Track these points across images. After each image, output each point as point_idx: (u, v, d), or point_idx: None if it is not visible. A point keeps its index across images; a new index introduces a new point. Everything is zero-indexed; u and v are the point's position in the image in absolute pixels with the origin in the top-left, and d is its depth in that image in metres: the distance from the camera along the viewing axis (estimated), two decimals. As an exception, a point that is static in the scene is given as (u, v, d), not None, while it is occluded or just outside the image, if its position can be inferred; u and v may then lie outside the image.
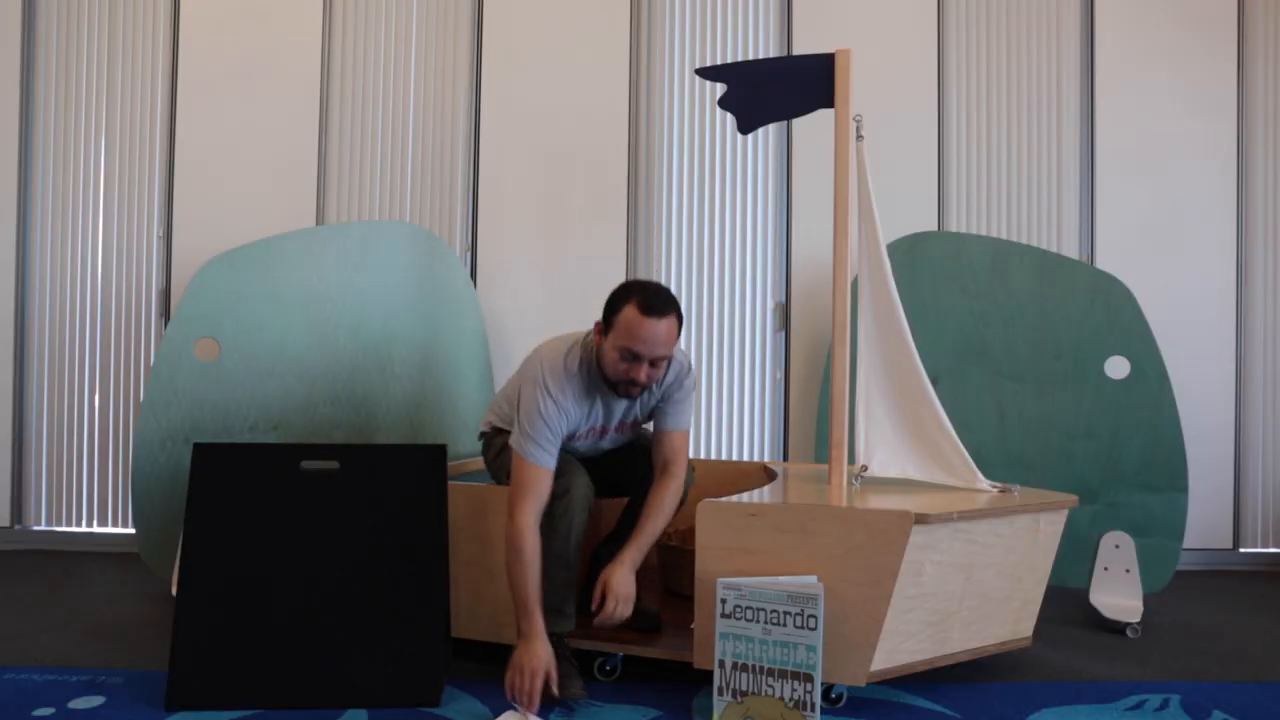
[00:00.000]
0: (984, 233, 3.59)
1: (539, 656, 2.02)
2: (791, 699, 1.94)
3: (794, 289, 3.61)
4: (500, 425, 2.44)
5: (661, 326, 2.09)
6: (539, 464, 2.15)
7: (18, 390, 3.60)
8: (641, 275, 3.63)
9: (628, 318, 2.10)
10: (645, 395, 2.29)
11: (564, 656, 2.12)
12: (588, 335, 2.27)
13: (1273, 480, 3.57)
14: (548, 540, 2.15)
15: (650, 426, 2.40)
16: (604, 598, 2.11)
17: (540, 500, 2.14)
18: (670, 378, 2.28)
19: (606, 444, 2.40)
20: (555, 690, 2.02)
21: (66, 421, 3.61)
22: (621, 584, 2.12)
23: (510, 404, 2.37)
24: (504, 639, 2.29)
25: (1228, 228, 3.58)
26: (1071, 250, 3.57)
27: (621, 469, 2.43)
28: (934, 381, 2.47)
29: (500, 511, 2.20)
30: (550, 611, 2.13)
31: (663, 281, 3.60)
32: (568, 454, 2.30)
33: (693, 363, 2.41)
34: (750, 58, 3.63)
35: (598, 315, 2.20)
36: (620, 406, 2.31)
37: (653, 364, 2.12)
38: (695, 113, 3.65)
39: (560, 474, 2.21)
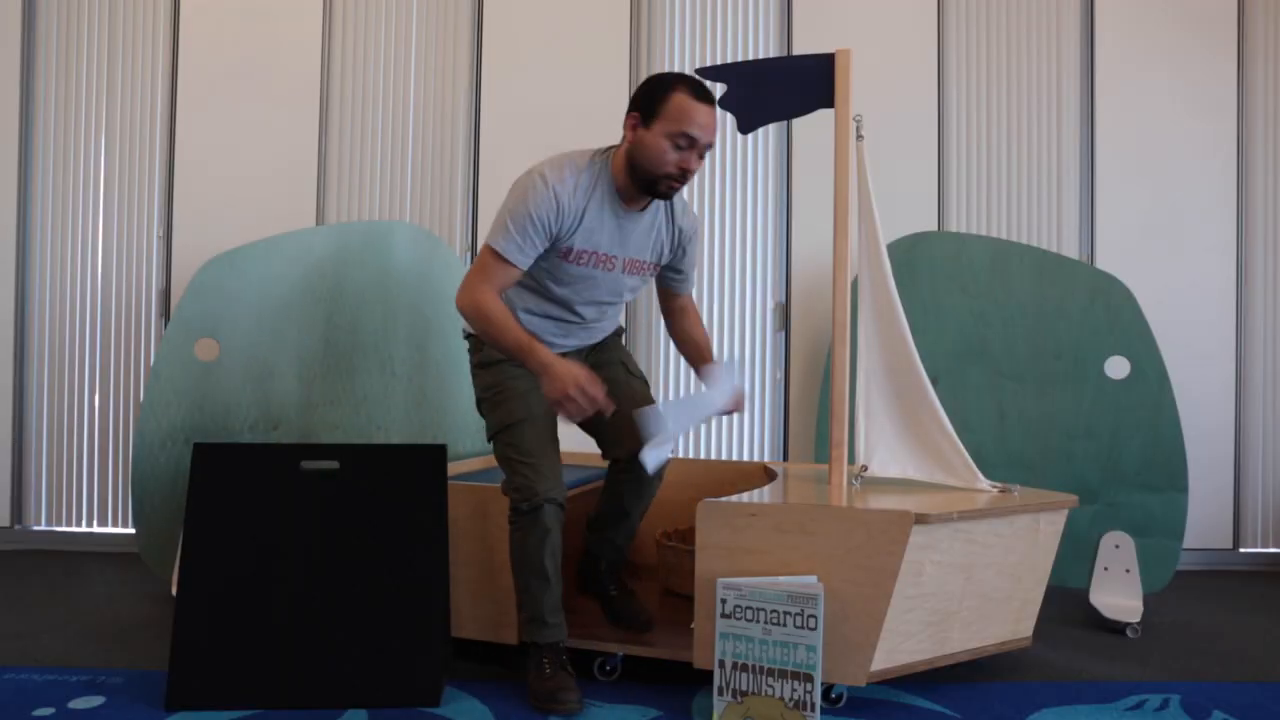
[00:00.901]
0: (984, 233, 3.59)
1: (569, 375, 1.91)
2: (791, 699, 1.94)
3: (794, 289, 3.61)
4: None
5: (712, 113, 2.01)
6: (509, 258, 2.00)
7: (18, 390, 3.60)
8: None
9: (680, 103, 1.98)
10: (669, 225, 2.19)
11: (559, 667, 2.07)
12: (605, 148, 2.13)
13: (1273, 480, 3.57)
14: (517, 550, 2.07)
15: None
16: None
17: (500, 290, 2.02)
18: (690, 221, 2.24)
19: (604, 294, 2.18)
20: (599, 395, 1.92)
21: (66, 421, 3.61)
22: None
23: None
24: (504, 639, 2.29)
25: (1228, 228, 3.58)
26: (1071, 250, 3.57)
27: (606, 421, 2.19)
28: (934, 381, 2.47)
29: (501, 512, 2.19)
30: (532, 621, 2.08)
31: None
32: (530, 412, 2.08)
33: None
34: (750, 58, 3.63)
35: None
36: (639, 230, 2.14)
37: (700, 155, 2.03)
38: (695, 113, 3.64)
39: (528, 482, 2.03)
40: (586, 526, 2.46)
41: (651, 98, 2.02)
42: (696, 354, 2.37)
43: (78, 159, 3.64)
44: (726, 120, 3.69)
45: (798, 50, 3.60)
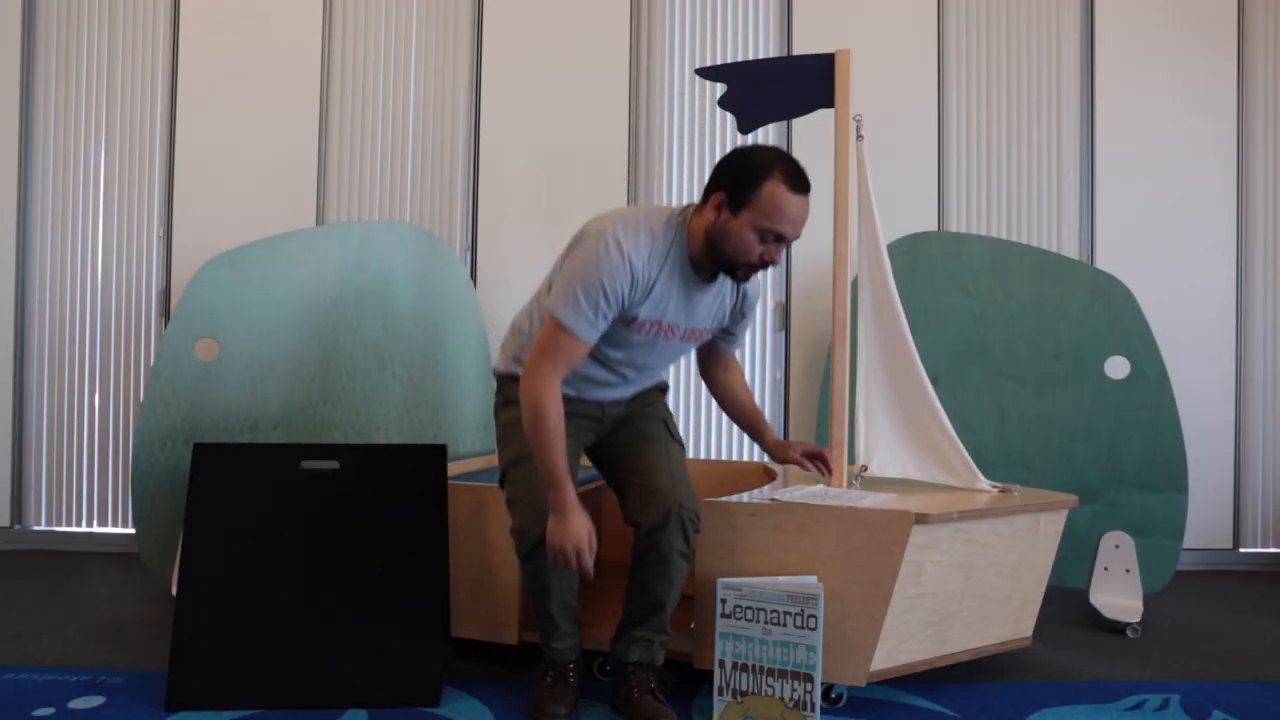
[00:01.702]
0: (984, 233, 3.59)
1: (575, 531, 1.83)
2: (791, 699, 1.94)
3: (794, 289, 3.61)
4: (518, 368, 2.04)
5: (807, 205, 1.87)
6: (580, 335, 1.84)
7: (18, 390, 3.60)
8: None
9: (774, 195, 1.82)
10: (734, 292, 2.08)
11: (561, 679, 2.02)
12: (681, 209, 1.97)
13: (1273, 480, 3.57)
14: (528, 587, 2.01)
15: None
16: (813, 465, 2.20)
17: (568, 370, 1.88)
18: (753, 289, 2.14)
19: (657, 359, 2.05)
20: (589, 565, 1.85)
21: (66, 421, 3.61)
22: (807, 445, 2.26)
23: (535, 320, 2.03)
24: (504, 639, 2.29)
25: (1228, 228, 3.58)
26: (1071, 250, 3.57)
27: (630, 461, 2.09)
28: (934, 381, 2.47)
29: (501, 512, 2.18)
30: (542, 636, 2.04)
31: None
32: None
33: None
34: (750, 58, 3.63)
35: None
36: (706, 300, 2.01)
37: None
38: (695, 113, 3.65)
39: (524, 524, 1.94)
40: (614, 635, 2.10)
41: (742, 183, 1.85)
42: (747, 420, 2.30)
43: (78, 159, 3.64)
44: (727, 120, 3.69)
45: (798, 50, 3.60)
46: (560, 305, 1.85)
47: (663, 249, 1.90)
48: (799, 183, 1.85)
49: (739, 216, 1.84)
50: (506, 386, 2.13)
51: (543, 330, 1.89)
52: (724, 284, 2.05)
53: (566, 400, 1.95)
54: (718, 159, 3.61)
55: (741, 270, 1.91)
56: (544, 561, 1.93)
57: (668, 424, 2.19)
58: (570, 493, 1.86)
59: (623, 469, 2.11)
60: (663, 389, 2.26)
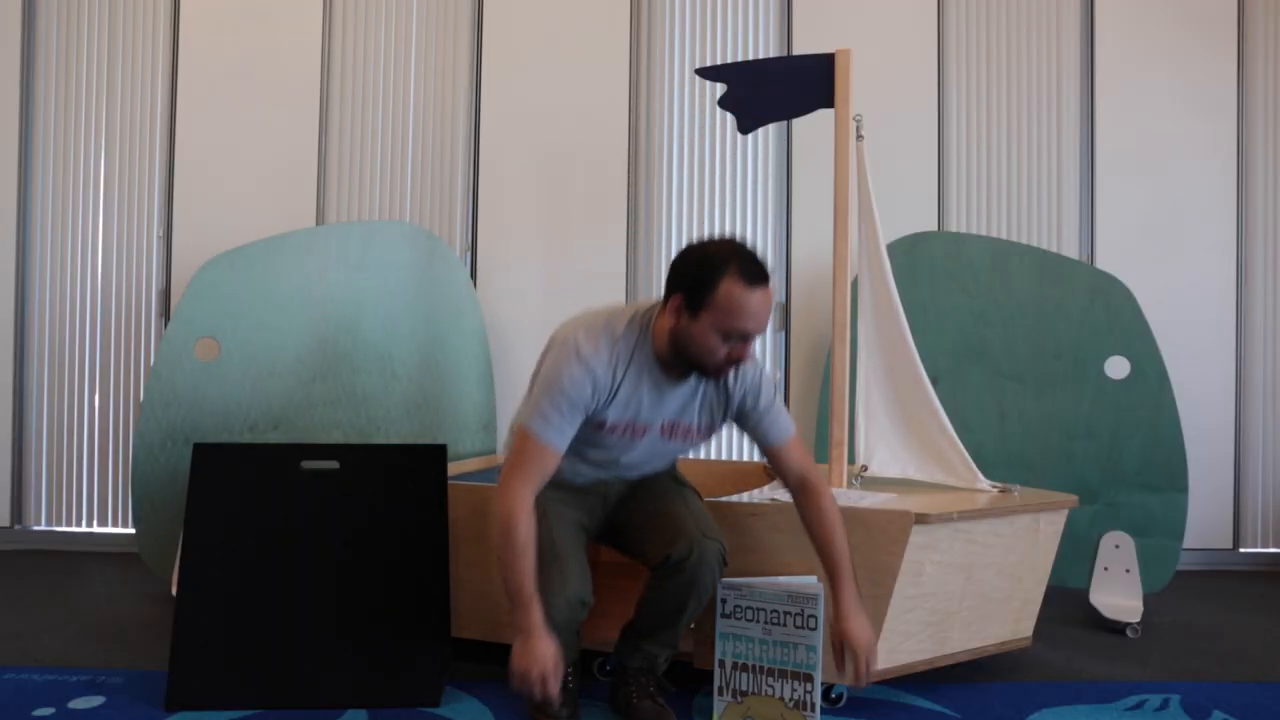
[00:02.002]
0: (984, 233, 3.59)
1: (541, 656, 1.75)
2: (791, 699, 1.94)
3: (794, 289, 3.61)
4: None
5: (768, 297, 1.78)
6: (547, 443, 1.83)
7: (18, 390, 3.60)
8: (642, 275, 3.63)
9: (731, 293, 1.75)
10: (709, 393, 1.96)
11: (566, 695, 1.96)
12: (646, 309, 1.93)
13: (1273, 480, 3.57)
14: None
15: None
16: (846, 655, 1.85)
17: (541, 480, 1.85)
18: (749, 376, 1.95)
19: (641, 457, 2.01)
20: (554, 692, 1.77)
21: (66, 421, 3.61)
22: (864, 633, 1.84)
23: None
24: (504, 639, 2.28)
25: (1228, 228, 3.57)
26: (1071, 250, 3.57)
27: (643, 515, 2.04)
28: (934, 381, 2.47)
29: (500, 511, 2.18)
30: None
31: (663, 282, 3.60)
32: (561, 516, 1.95)
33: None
34: (750, 58, 3.63)
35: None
36: (680, 397, 1.94)
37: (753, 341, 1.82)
38: (695, 113, 3.65)
39: (545, 564, 1.86)
40: (619, 637, 2.08)
41: (699, 284, 1.78)
42: (826, 564, 1.95)
43: (78, 159, 3.64)
44: (727, 120, 3.68)
45: (798, 50, 3.60)
46: (527, 415, 1.87)
47: (625, 352, 1.88)
48: (755, 276, 1.77)
49: (699, 319, 1.79)
50: None
51: (514, 441, 1.89)
52: (703, 380, 1.95)
53: (566, 481, 1.99)
54: (718, 159, 3.67)
55: (713, 371, 1.85)
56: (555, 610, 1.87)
57: (676, 477, 2.16)
58: (538, 614, 1.79)
59: (638, 525, 2.05)
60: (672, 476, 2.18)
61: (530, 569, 1.81)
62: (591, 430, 1.91)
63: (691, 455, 2.25)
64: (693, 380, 1.94)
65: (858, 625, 1.85)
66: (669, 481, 2.13)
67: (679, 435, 1.99)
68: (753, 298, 1.76)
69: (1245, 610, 2.98)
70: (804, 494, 1.96)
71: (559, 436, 1.84)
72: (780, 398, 2.03)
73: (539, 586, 1.82)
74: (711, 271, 1.78)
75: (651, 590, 1.98)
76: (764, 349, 3.62)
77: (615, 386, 1.88)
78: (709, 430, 2.02)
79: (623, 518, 2.09)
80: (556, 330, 1.97)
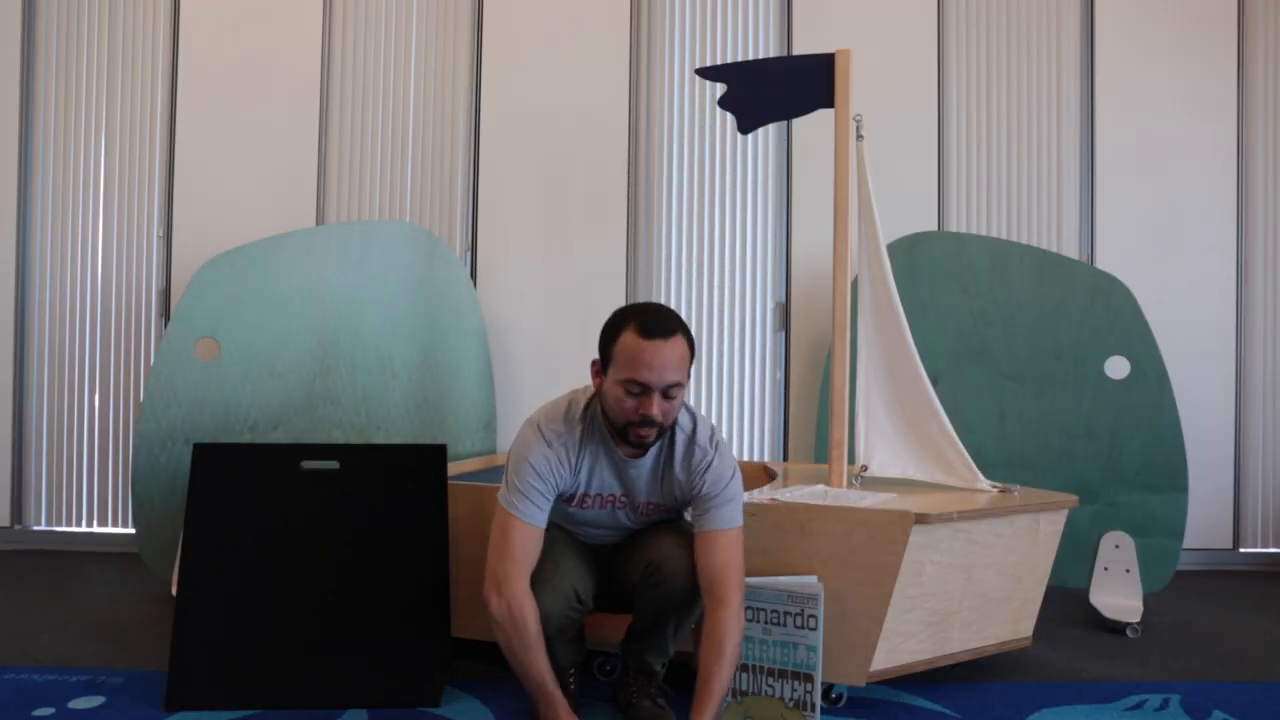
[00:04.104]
0: (984, 233, 3.59)
1: None
2: (791, 699, 1.94)
3: (794, 289, 3.61)
4: None
5: (667, 348, 1.79)
6: (527, 520, 1.87)
7: (18, 390, 3.60)
8: (642, 275, 3.63)
9: (627, 344, 1.81)
10: (669, 474, 1.95)
11: (562, 688, 1.95)
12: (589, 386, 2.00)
13: (1273, 480, 3.57)
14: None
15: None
16: None
17: (530, 564, 1.87)
18: (697, 459, 1.92)
19: (629, 524, 2.04)
20: None
21: (66, 421, 3.61)
22: None
23: None
24: (504, 639, 2.28)
25: (1228, 228, 3.57)
26: (1071, 250, 3.57)
27: (632, 543, 2.03)
28: (934, 381, 2.47)
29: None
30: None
31: (663, 282, 3.62)
32: (570, 538, 1.98)
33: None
34: (750, 58, 3.63)
35: (598, 317, 2.01)
36: (643, 480, 1.96)
37: (666, 395, 1.81)
38: (695, 113, 3.65)
39: (542, 562, 1.89)
40: (623, 638, 2.10)
41: (605, 343, 1.86)
42: (699, 678, 1.85)
43: (78, 159, 3.64)
44: (727, 120, 3.68)
45: (798, 50, 3.60)
46: (501, 495, 1.92)
47: (581, 430, 1.93)
48: (651, 328, 1.80)
49: (608, 377, 1.86)
50: None
51: (496, 529, 1.91)
52: (659, 457, 1.96)
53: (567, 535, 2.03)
54: (718, 159, 3.67)
55: (631, 433, 1.84)
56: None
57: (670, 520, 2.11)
58: (562, 699, 1.85)
59: (627, 552, 2.02)
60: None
61: (545, 661, 1.86)
62: (571, 505, 1.98)
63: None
64: (650, 459, 1.95)
65: None
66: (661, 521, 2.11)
67: (655, 512, 2.02)
68: (646, 348, 1.79)
69: (1245, 610, 2.98)
70: (710, 597, 1.85)
71: (538, 513, 1.89)
72: (738, 481, 1.94)
73: (534, 583, 1.86)
74: (614, 329, 1.86)
75: (637, 601, 1.99)
76: (764, 349, 3.62)
77: (578, 461, 1.93)
78: (673, 508, 2.02)
79: (620, 557, 2.05)
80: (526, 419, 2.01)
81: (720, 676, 1.80)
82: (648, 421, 1.81)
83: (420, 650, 2.11)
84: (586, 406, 1.95)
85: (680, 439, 1.94)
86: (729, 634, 1.82)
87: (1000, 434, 3.07)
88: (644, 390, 1.80)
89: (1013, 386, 3.07)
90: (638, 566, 1.96)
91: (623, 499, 1.99)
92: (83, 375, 3.62)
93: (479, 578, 2.30)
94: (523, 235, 3.60)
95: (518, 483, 1.89)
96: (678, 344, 1.82)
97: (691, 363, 1.87)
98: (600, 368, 1.89)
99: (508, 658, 1.88)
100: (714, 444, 1.95)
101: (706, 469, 1.91)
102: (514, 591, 1.84)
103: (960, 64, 3.64)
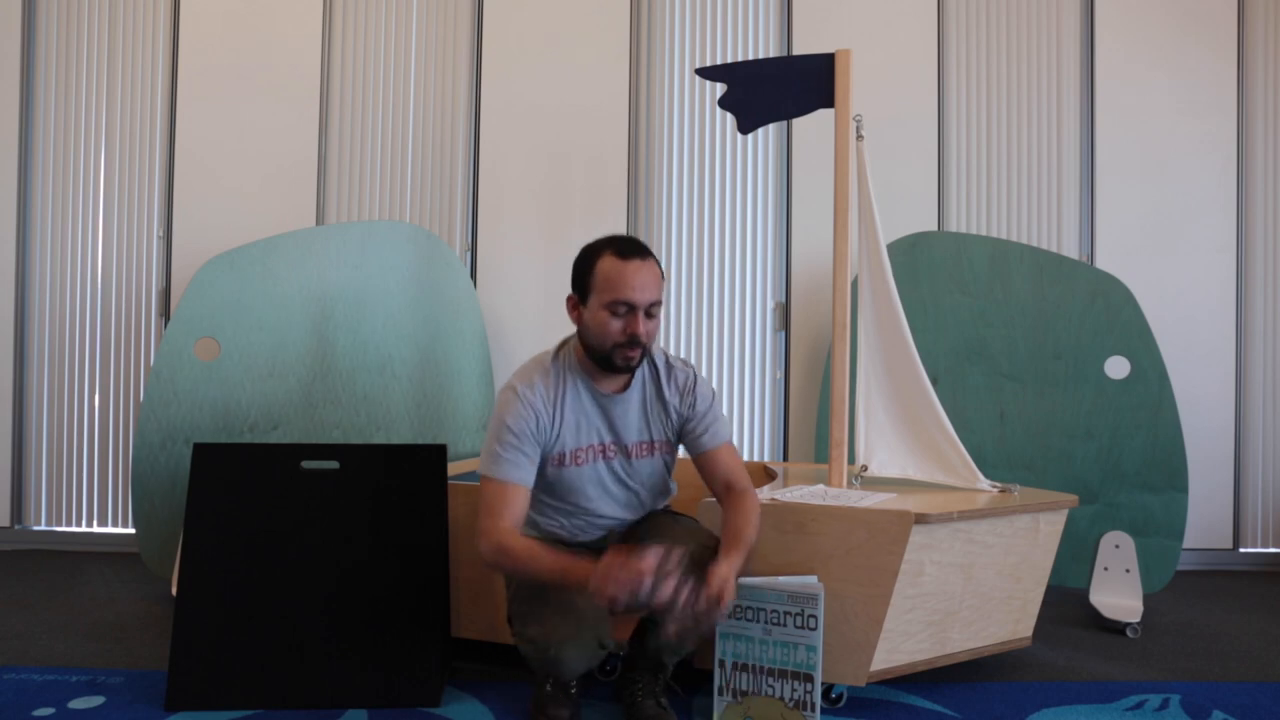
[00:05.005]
0: (984, 233, 3.59)
1: (610, 559, 1.68)
2: (791, 699, 1.94)
3: (794, 289, 3.61)
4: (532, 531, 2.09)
5: (645, 268, 1.88)
6: (504, 478, 1.87)
7: (18, 390, 3.60)
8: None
9: (607, 268, 1.87)
10: (659, 403, 2.02)
11: (562, 688, 1.97)
12: (567, 337, 2.04)
13: (1273, 480, 3.57)
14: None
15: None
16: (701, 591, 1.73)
17: (514, 515, 1.86)
18: (681, 380, 2.03)
19: (625, 478, 2.04)
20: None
21: (66, 421, 3.61)
22: (727, 574, 1.76)
23: None
24: (504, 639, 2.28)
25: (1227, 228, 3.57)
26: (1071, 250, 3.57)
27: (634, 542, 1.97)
28: (934, 381, 2.47)
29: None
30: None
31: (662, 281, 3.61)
32: (570, 595, 1.80)
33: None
34: (750, 58, 3.63)
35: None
36: (630, 415, 2.01)
37: (648, 314, 1.88)
38: (695, 113, 3.65)
39: (540, 616, 1.83)
40: (630, 635, 2.05)
41: (581, 274, 1.93)
42: (723, 529, 1.95)
43: (78, 159, 3.64)
44: (727, 120, 3.69)
45: (798, 50, 3.60)
46: (481, 462, 1.95)
47: (555, 379, 1.97)
48: (630, 250, 1.89)
49: (589, 306, 1.91)
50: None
51: (480, 493, 1.91)
52: (645, 390, 2.03)
53: (569, 540, 2.03)
54: (718, 159, 3.67)
55: (617, 355, 1.89)
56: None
57: (670, 511, 2.15)
58: (583, 562, 1.73)
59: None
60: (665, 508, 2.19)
61: (549, 554, 1.80)
62: (556, 469, 1.97)
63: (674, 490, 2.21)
64: (635, 390, 2.02)
65: (726, 568, 1.78)
66: (663, 516, 2.13)
67: (647, 452, 2.05)
68: (628, 267, 1.87)
69: (1245, 610, 2.98)
70: (729, 495, 2.00)
71: (517, 469, 1.89)
72: (719, 403, 2.10)
73: (543, 636, 1.82)
74: (589, 259, 1.92)
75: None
76: (764, 349, 3.62)
77: (559, 412, 1.96)
78: (668, 441, 2.07)
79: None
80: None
81: (748, 533, 1.90)
82: (634, 341, 1.88)
83: (420, 650, 2.11)
84: (558, 352, 2.01)
85: (660, 365, 2.05)
86: (754, 508, 1.95)
87: (1000, 434, 3.07)
88: (630, 309, 1.87)
89: (1012, 386, 3.08)
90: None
91: (613, 446, 2.02)
92: (83, 375, 3.62)
93: (479, 577, 2.31)
94: (523, 235, 3.61)
95: (497, 446, 1.90)
96: (653, 265, 1.92)
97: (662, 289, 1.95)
98: (579, 300, 1.94)
99: (524, 577, 1.87)
100: (687, 364, 2.09)
101: (695, 385, 2.05)
102: (497, 535, 1.83)
103: (960, 64, 3.64)
